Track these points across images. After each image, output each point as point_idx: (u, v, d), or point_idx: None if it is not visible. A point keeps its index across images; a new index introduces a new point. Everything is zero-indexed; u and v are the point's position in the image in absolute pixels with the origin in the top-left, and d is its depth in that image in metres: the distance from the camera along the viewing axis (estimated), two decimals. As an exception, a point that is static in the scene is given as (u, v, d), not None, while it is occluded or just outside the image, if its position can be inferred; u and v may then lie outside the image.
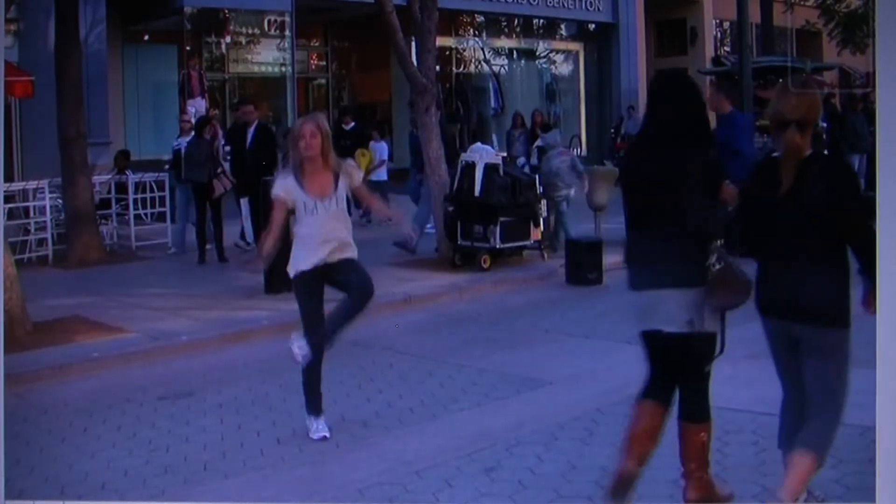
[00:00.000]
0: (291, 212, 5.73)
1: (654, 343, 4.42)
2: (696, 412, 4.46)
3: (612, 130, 23.21)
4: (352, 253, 5.77)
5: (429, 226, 13.01)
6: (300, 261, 5.70)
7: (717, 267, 4.23)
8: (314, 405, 5.84)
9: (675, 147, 4.30)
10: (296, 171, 5.64)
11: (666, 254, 4.29)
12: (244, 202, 12.40)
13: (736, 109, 10.39)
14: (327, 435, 5.75)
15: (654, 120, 4.46)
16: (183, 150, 12.74)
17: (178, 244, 12.82)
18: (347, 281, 5.73)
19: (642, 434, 4.47)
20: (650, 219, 4.36)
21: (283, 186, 5.68)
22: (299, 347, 5.70)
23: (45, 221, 12.53)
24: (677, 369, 4.44)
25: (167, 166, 13.97)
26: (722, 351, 4.43)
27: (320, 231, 5.64)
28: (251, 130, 12.17)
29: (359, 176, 5.91)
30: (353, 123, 15.15)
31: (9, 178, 13.39)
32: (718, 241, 4.26)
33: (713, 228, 4.27)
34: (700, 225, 4.25)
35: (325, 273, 5.70)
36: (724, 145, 9.87)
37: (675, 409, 4.52)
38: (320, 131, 5.61)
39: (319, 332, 5.74)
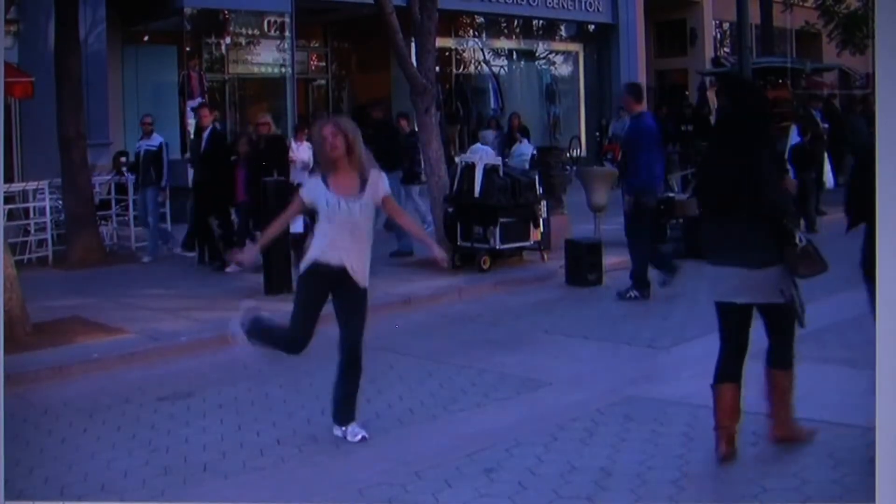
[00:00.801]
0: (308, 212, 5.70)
1: (728, 311, 5.12)
2: (784, 361, 5.20)
3: (598, 134, 22.99)
4: (363, 281, 5.62)
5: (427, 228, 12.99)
6: (316, 251, 5.56)
7: (802, 244, 4.94)
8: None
9: (751, 143, 5.02)
10: (324, 173, 5.62)
11: (742, 237, 4.99)
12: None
13: (647, 111, 10.35)
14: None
15: (731, 121, 5.18)
16: (142, 153, 12.58)
17: (176, 244, 12.74)
18: (343, 326, 5.65)
19: (728, 415, 5.13)
20: (728, 208, 5.03)
21: (308, 186, 5.68)
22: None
23: (44, 222, 12.54)
24: (769, 331, 5.18)
25: (125, 168, 13.68)
26: (802, 325, 5.17)
27: (339, 231, 5.51)
28: (205, 136, 11.95)
29: (385, 185, 5.71)
30: None
31: (9, 178, 13.40)
32: (799, 222, 5.05)
33: (788, 209, 5.09)
34: (778, 206, 5.00)
35: (333, 286, 5.61)
36: (631, 143, 9.95)
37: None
38: (341, 131, 5.55)
39: (304, 332, 5.65)
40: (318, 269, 5.57)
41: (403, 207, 12.59)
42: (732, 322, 5.17)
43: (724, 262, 5.07)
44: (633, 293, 9.74)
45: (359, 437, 5.69)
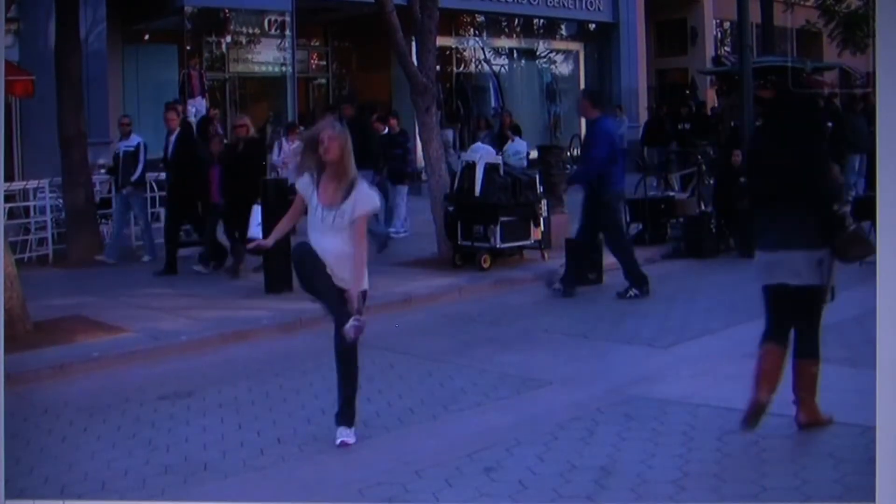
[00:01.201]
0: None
1: (779, 295, 5.39)
2: (810, 350, 5.48)
3: None
4: (347, 285, 5.53)
5: (392, 230, 12.98)
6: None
7: (852, 227, 5.31)
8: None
9: (808, 136, 5.45)
10: (314, 173, 5.57)
11: (796, 222, 5.29)
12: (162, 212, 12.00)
13: (602, 115, 10.49)
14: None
15: (786, 124, 5.53)
16: (122, 154, 12.23)
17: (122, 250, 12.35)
18: (337, 326, 5.62)
19: (770, 371, 5.42)
20: (783, 196, 5.34)
21: (302, 182, 5.63)
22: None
23: (45, 221, 12.53)
24: (798, 315, 5.44)
25: (103, 170, 13.03)
26: (833, 298, 5.49)
27: (320, 238, 5.53)
28: (172, 139, 11.64)
29: (366, 207, 5.56)
30: None
31: (9, 177, 13.38)
32: (847, 208, 5.44)
33: (840, 196, 5.52)
34: (833, 193, 5.40)
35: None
36: (587, 146, 10.16)
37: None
38: (338, 138, 5.52)
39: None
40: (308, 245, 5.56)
41: (387, 204, 12.52)
42: (782, 305, 5.44)
43: (778, 247, 5.37)
44: (632, 292, 9.77)
45: (338, 441, 5.65)
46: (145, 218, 12.54)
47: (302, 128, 14.29)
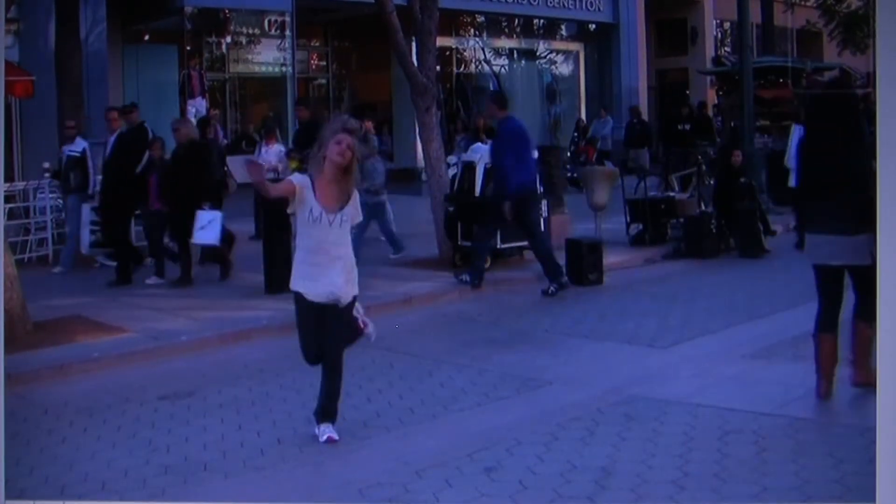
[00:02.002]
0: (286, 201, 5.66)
1: (826, 274, 6.00)
2: (868, 313, 5.66)
3: (576, 134, 22.53)
4: (352, 288, 5.74)
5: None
6: (299, 281, 5.71)
7: None
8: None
9: (854, 133, 5.92)
10: (315, 174, 5.61)
11: (843, 210, 5.81)
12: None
13: (511, 116, 10.52)
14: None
15: (831, 124, 6.01)
16: (65, 159, 11.76)
17: (67, 261, 11.80)
18: (327, 333, 5.73)
19: (828, 360, 6.04)
20: (835, 187, 5.86)
21: (301, 180, 5.63)
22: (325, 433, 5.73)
23: (45, 221, 12.53)
24: (861, 290, 5.94)
25: (48, 174, 12.42)
26: None
27: (322, 244, 5.59)
28: (111, 140, 11.28)
29: (356, 220, 5.83)
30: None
31: (9, 178, 13.37)
32: None
33: None
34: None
35: (319, 307, 5.70)
36: (502, 148, 10.20)
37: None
38: (352, 148, 5.58)
39: (312, 350, 5.80)
40: (302, 297, 5.71)
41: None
42: (828, 281, 6.04)
43: (823, 231, 5.94)
44: (464, 276, 10.24)
45: (325, 437, 5.69)
46: (75, 227, 11.89)
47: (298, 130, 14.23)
